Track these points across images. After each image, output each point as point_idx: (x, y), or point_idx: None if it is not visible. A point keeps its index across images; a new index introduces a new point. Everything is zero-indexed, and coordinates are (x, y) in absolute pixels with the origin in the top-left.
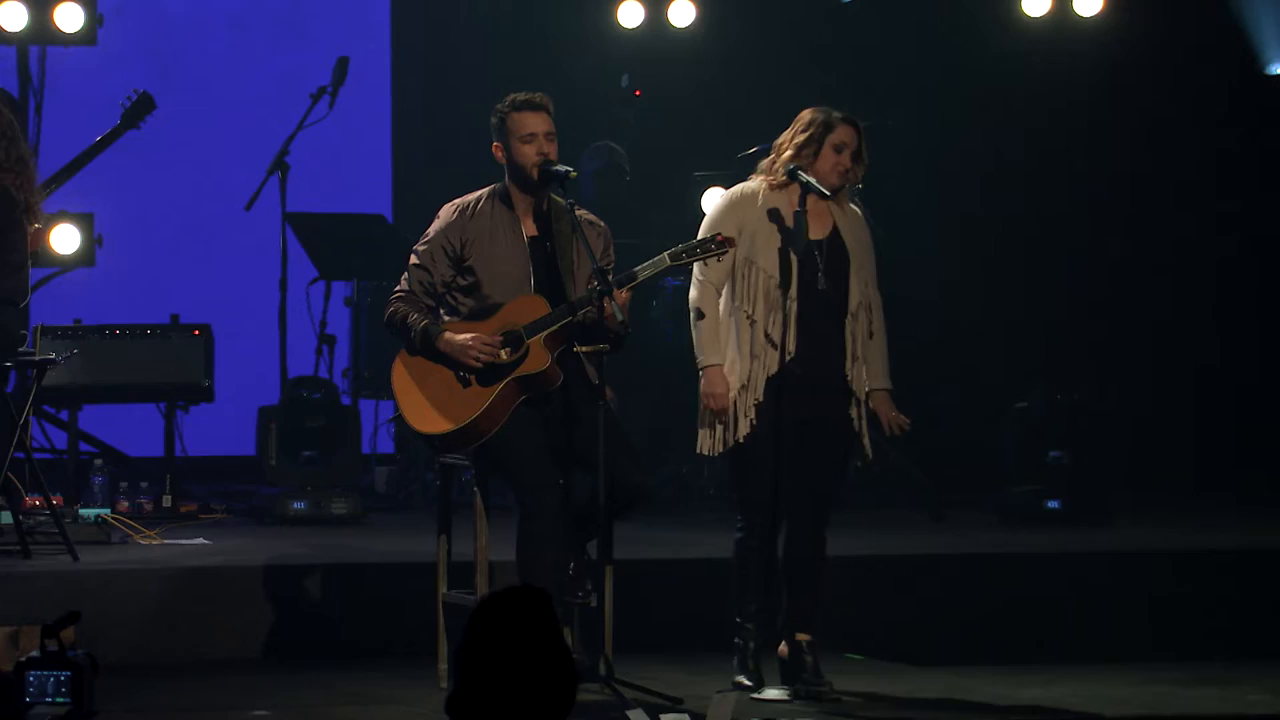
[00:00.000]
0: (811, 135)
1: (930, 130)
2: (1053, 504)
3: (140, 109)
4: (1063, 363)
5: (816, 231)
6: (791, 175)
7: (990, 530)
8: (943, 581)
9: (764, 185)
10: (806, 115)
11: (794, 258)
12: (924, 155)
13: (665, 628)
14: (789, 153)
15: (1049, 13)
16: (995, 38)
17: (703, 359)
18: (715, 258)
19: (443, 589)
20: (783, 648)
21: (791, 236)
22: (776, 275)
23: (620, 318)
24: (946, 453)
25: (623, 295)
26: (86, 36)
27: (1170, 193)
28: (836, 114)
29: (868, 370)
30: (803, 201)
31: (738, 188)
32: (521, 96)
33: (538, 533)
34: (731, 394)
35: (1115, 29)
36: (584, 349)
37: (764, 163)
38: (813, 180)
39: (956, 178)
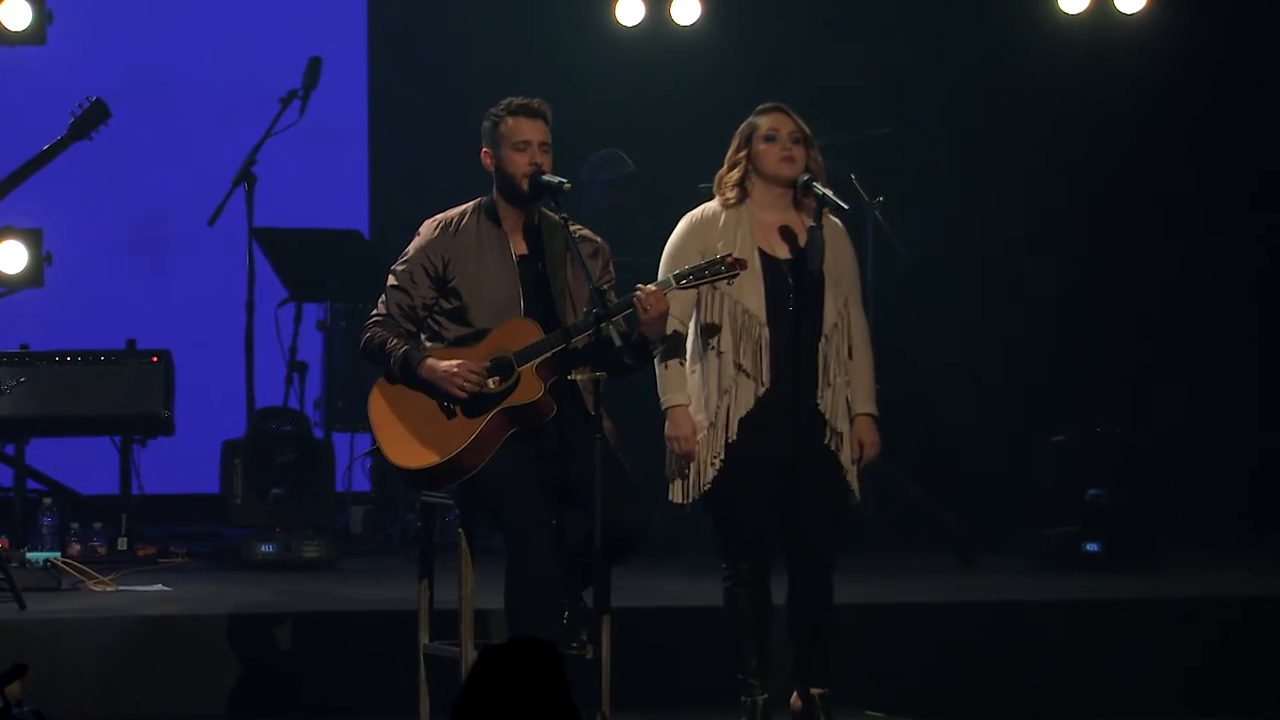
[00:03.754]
0: (739, 144)
1: (955, 137)
2: (1092, 547)
3: (92, 117)
4: (1101, 392)
5: (787, 250)
6: (806, 187)
7: (1024, 575)
8: (972, 631)
9: (720, 205)
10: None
11: (763, 280)
12: (948, 164)
13: (667, 681)
14: (733, 174)
15: (1087, 9)
16: (1028, 36)
17: (665, 399)
18: (726, 280)
19: (424, 639)
20: (795, 700)
21: (808, 255)
22: (742, 300)
23: (626, 334)
24: (975, 491)
25: (663, 301)
26: (35, 35)
27: (1216, 205)
28: (758, 109)
29: (851, 394)
30: (818, 216)
31: (697, 210)
32: (519, 101)
33: (528, 577)
34: (700, 435)
35: (1159, 26)
36: (580, 377)
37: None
38: (829, 193)
39: (983, 189)
